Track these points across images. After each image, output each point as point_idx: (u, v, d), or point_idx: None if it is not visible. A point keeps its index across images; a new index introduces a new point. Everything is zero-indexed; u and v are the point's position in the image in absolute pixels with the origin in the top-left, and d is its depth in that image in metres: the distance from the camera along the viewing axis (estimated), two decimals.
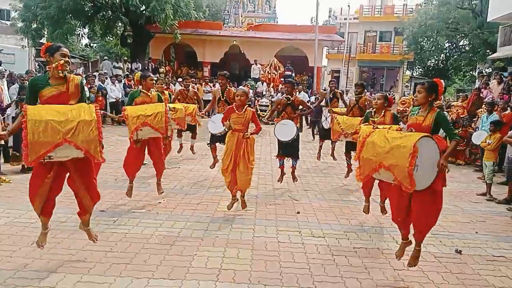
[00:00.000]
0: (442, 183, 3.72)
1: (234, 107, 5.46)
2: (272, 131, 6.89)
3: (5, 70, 10.97)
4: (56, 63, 3.53)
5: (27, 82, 3.70)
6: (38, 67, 22.88)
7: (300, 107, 7.00)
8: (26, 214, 4.92)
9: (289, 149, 6.81)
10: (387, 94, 6.56)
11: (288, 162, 6.94)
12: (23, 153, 3.39)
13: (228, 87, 7.28)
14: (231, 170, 5.43)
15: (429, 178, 3.62)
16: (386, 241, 4.78)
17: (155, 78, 5.96)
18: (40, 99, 3.55)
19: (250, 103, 16.01)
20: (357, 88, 7.59)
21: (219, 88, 7.40)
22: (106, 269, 3.74)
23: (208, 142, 7.54)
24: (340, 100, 8.88)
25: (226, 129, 6.28)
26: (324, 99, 9.53)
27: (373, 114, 5.65)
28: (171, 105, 7.18)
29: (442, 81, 4.06)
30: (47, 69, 3.60)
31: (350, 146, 7.09)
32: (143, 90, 5.78)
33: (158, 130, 5.35)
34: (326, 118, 8.71)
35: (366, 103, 7.31)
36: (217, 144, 7.36)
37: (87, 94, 12.47)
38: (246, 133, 5.37)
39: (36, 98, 3.57)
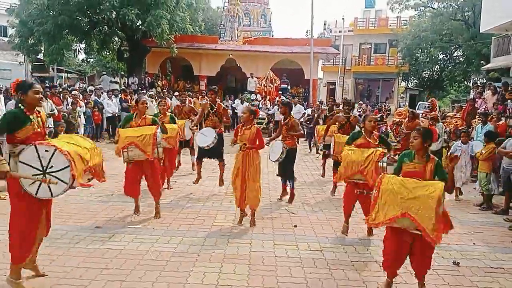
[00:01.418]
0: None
1: (242, 124, 5.76)
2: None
3: (2, 86, 11.00)
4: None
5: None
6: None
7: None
8: None
9: (281, 169, 6.89)
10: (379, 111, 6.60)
11: (289, 183, 6.94)
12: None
13: (218, 102, 7.42)
14: (240, 187, 5.54)
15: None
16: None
17: (147, 102, 6.14)
18: (21, 134, 3.46)
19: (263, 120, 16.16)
20: (345, 106, 7.65)
21: (208, 101, 7.44)
22: (101, 287, 3.71)
23: (197, 157, 7.55)
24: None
25: (214, 142, 6.37)
26: (323, 115, 9.62)
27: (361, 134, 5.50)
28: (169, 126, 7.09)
29: (437, 130, 4.07)
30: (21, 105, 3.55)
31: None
32: (138, 114, 5.90)
33: (145, 151, 5.43)
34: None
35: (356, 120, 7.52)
36: (205, 159, 7.45)
37: (84, 109, 12.53)
38: (244, 145, 5.52)
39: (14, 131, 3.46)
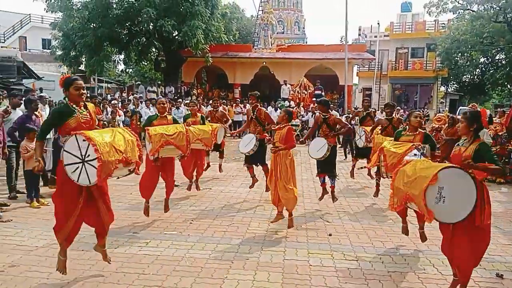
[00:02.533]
0: (484, 218, 3.51)
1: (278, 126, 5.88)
2: (304, 152, 6.90)
3: (49, 97, 11.48)
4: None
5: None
6: None
7: (338, 126, 6.93)
8: None
9: (323, 167, 6.83)
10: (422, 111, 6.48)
11: (328, 180, 6.92)
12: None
13: (259, 107, 7.44)
14: (273, 188, 5.70)
15: (462, 211, 3.43)
16: (423, 265, 4.60)
17: (164, 101, 6.32)
18: (68, 126, 3.80)
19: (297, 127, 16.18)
20: (387, 109, 7.54)
21: (250, 108, 7.56)
22: None
23: (244, 163, 7.74)
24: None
25: (255, 149, 6.47)
26: (357, 117, 9.48)
27: (404, 131, 5.51)
28: (197, 128, 7.33)
29: (487, 110, 3.97)
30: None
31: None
32: (158, 114, 6.18)
33: (180, 148, 5.65)
34: (360, 137, 8.57)
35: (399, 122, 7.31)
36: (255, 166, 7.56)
37: (123, 118, 12.93)
38: (271, 140, 5.73)
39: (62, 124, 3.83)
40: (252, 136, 7.24)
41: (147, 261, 4.49)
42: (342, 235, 5.61)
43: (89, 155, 3.57)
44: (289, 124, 5.86)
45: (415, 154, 4.77)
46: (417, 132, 5.35)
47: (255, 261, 4.56)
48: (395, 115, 7.78)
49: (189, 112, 8.13)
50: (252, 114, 7.43)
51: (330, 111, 6.87)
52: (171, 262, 4.46)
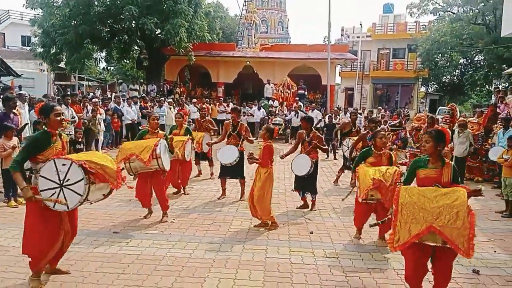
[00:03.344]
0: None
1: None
2: (281, 151, 6.89)
3: (28, 95, 11.24)
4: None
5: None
6: (56, 90, 23.50)
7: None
8: None
9: (304, 183, 6.76)
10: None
11: (308, 194, 6.87)
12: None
13: (240, 122, 7.41)
14: (249, 200, 5.78)
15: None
16: (401, 261, 4.66)
17: (157, 117, 6.29)
18: (45, 154, 3.68)
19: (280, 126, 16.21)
20: (373, 124, 7.59)
21: (230, 121, 7.44)
22: None
23: (219, 175, 7.50)
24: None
25: (236, 161, 6.44)
26: (343, 129, 9.56)
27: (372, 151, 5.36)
28: (177, 138, 7.11)
29: (449, 131, 3.86)
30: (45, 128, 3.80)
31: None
32: (150, 129, 6.10)
33: (142, 159, 5.40)
34: (348, 148, 8.50)
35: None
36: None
37: (104, 116, 12.74)
38: (250, 154, 5.71)
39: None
40: (233, 147, 7.10)
41: (128, 260, 4.46)
42: (323, 232, 5.66)
43: (68, 180, 3.52)
44: (269, 141, 5.83)
45: None
46: (382, 152, 5.31)
47: (236, 260, 4.57)
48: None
49: (175, 124, 7.96)
50: (231, 128, 7.31)
51: (312, 129, 6.73)
52: (152, 262, 4.44)
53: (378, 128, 6.95)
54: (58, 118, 3.73)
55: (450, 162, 3.76)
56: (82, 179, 3.53)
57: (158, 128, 6.23)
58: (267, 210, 5.69)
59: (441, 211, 3.25)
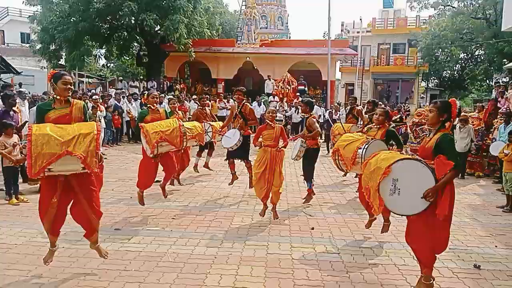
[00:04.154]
0: (444, 209, 3.35)
1: (266, 124, 6.01)
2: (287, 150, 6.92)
3: (28, 92, 11.24)
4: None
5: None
6: None
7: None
8: (42, 233, 4.94)
9: (303, 170, 6.96)
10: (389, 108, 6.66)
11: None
12: (27, 166, 3.59)
13: (245, 103, 7.44)
14: (265, 182, 5.81)
15: (420, 203, 3.40)
16: (403, 257, 4.68)
17: (156, 95, 6.32)
18: (46, 121, 3.80)
19: (280, 122, 16.18)
20: (368, 105, 7.59)
21: (236, 103, 7.53)
22: None
23: (226, 158, 7.69)
24: (359, 117, 8.97)
25: (238, 144, 6.53)
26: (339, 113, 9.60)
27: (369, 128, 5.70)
28: (188, 124, 7.30)
29: (457, 102, 3.75)
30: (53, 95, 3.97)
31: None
32: (151, 107, 6.12)
33: (175, 144, 5.76)
34: None
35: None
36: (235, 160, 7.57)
37: (104, 113, 12.75)
38: (278, 147, 5.88)
39: (43, 121, 3.83)
40: (235, 131, 7.21)
41: (129, 257, 4.46)
42: (324, 228, 5.66)
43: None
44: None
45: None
46: (380, 127, 5.46)
47: (238, 256, 4.58)
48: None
49: (170, 110, 7.98)
50: (237, 109, 7.42)
51: (311, 112, 6.80)
52: (153, 258, 4.44)
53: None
54: (65, 86, 3.84)
55: (444, 131, 3.57)
56: None
57: (157, 105, 6.28)
58: (280, 193, 6.05)
59: (374, 172, 3.64)
